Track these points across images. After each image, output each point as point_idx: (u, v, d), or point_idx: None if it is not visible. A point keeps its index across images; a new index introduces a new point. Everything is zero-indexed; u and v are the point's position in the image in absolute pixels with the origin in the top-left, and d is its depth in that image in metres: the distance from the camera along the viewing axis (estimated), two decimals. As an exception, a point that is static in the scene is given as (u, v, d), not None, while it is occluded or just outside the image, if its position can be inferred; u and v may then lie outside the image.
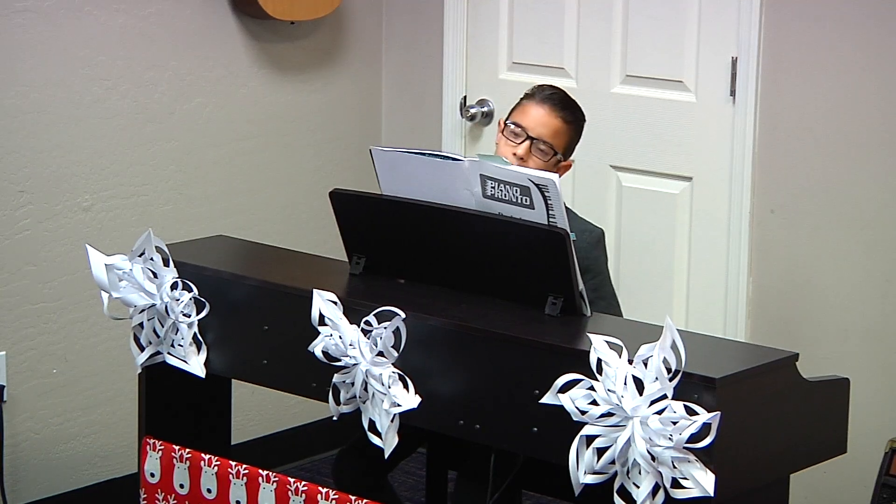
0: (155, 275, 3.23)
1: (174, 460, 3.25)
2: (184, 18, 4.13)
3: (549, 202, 2.92)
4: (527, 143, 3.31)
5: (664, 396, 2.60)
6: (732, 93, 3.93)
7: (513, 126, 3.34)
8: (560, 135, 3.33)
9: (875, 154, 3.75)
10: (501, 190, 2.98)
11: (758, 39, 3.86)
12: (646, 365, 2.62)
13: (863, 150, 3.76)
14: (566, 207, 3.08)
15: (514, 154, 3.31)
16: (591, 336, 2.67)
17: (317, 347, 2.97)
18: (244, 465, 3.15)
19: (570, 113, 3.35)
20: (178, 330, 3.22)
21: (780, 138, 3.89)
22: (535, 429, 2.78)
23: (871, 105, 3.74)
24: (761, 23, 3.86)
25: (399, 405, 2.88)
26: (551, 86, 3.41)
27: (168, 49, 4.10)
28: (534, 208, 2.94)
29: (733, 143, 3.94)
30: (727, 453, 2.60)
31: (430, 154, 3.09)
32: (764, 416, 2.71)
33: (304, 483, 3.06)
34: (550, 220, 2.93)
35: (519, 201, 2.96)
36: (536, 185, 2.92)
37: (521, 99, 3.38)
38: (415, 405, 2.88)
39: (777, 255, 3.91)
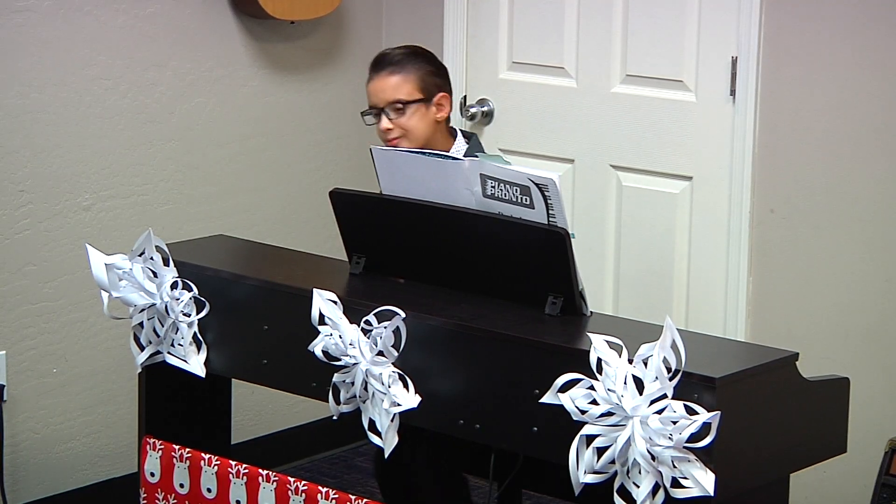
0: (155, 274, 3.23)
1: (174, 460, 3.25)
2: (184, 18, 4.13)
3: (549, 202, 2.92)
4: (382, 116, 3.35)
5: (664, 396, 2.60)
6: (732, 92, 3.93)
7: (367, 115, 3.37)
8: (401, 86, 3.35)
9: (875, 153, 3.75)
10: (501, 189, 2.98)
11: (758, 39, 3.86)
12: (646, 364, 2.62)
13: (862, 150, 3.76)
14: (464, 132, 3.28)
15: (384, 131, 3.34)
16: (591, 336, 2.68)
17: (317, 347, 2.97)
18: (244, 465, 3.15)
19: (392, 65, 3.36)
20: (178, 329, 3.22)
21: (779, 138, 3.89)
22: (535, 428, 2.78)
23: (871, 105, 3.74)
24: (761, 22, 3.86)
25: (399, 405, 2.88)
26: (377, 55, 3.42)
27: (168, 49, 4.10)
28: (534, 208, 2.94)
29: (733, 143, 3.94)
30: (727, 453, 2.60)
31: (430, 153, 3.09)
32: (764, 415, 2.71)
33: (304, 483, 3.06)
34: (550, 219, 2.93)
35: (519, 201, 2.96)
36: (536, 185, 2.92)
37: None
38: (415, 405, 2.88)
39: (777, 255, 3.91)
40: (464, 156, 3.29)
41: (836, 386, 2.89)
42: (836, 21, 3.76)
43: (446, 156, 3.08)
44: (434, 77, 3.40)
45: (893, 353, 3.77)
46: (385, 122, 3.36)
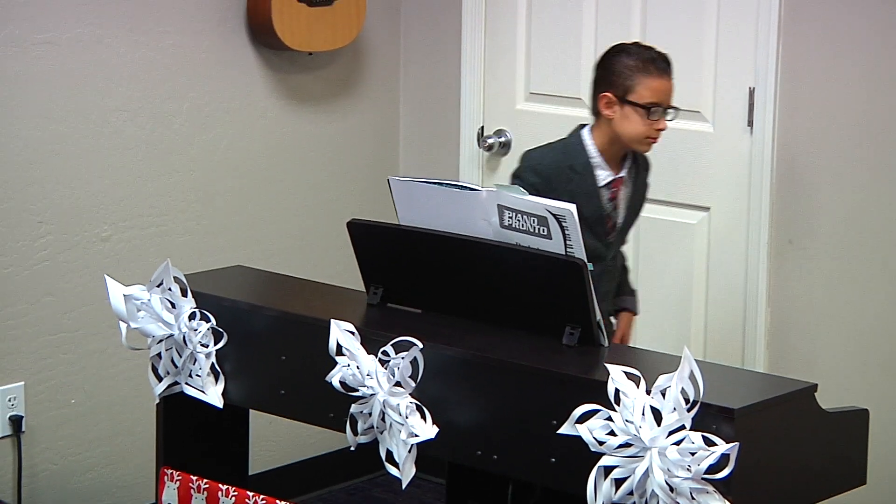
0: (173, 305, 3.23)
1: (192, 490, 3.25)
2: (202, 50, 4.15)
3: (566, 232, 2.92)
4: (665, 116, 3.38)
5: (682, 427, 2.59)
6: (750, 123, 3.93)
7: (651, 107, 3.35)
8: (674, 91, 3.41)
9: (894, 183, 3.74)
10: (518, 220, 2.98)
11: (775, 69, 3.86)
12: (664, 395, 2.61)
13: (881, 180, 3.75)
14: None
15: (659, 131, 3.37)
16: (609, 366, 2.67)
17: (334, 377, 2.97)
18: (262, 496, 3.15)
19: (671, 66, 3.40)
20: (195, 360, 3.22)
21: (797, 168, 3.88)
22: (553, 459, 2.77)
23: (890, 134, 3.73)
24: (778, 53, 3.86)
25: (417, 435, 2.88)
26: (650, 50, 3.41)
27: (186, 80, 4.12)
28: (551, 238, 2.94)
29: (751, 173, 3.93)
30: (746, 484, 2.59)
31: (447, 184, 3.10)
32: (782, 446, 2.70)
33: (321, 514, 3.05)
34: (568, 249, 2.93)
35: (536, 231, 2.96)
36: (553, 215, 2.92)
37: (632, 73, 3.37)
38: (432, 435, 2.87)
39: (795, 286, 3.90)
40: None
41: (856, 417, 2.87)
42: (853, 51, 3.76)
43: (463, 186, 3.09)
44: None
45: (913, 384, 3.75)
46: (666, 123, 3.39)
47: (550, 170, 3.39)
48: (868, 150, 3.77)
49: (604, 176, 3.43)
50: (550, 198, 3.30)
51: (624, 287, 3.64)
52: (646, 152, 3.45)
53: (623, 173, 3.47)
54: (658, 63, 3.39)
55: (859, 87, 3.76)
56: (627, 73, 3.37)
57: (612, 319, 3.60)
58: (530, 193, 3.29)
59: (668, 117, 3.38)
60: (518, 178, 3.41)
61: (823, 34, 3.80)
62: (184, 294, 3.23)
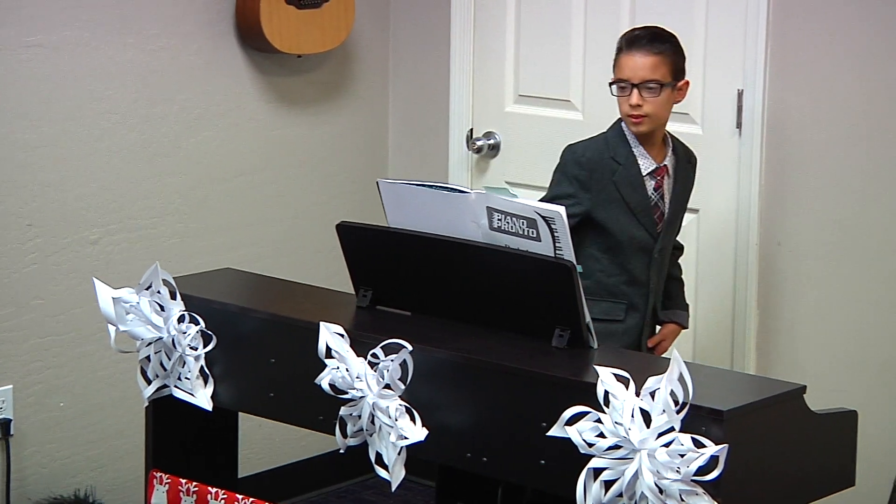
0: (162, 308, 3.23)
1: (181, 493, 3.24)
2: (191, 53, 4.14)
3: (555, 234, 2.92)
4: (635, 91, 3.38)
5: (672, 429, 2.59)
6: (739, 125, 3.94)
7: (618, 84, 3.41)
8: (659, 66, 3.39)
9: (883, 185, 3.75)
10: (508, 222, 2.98)
11: (763, 72, 3.87)
12: (653, 397, 2.61)
13: (870, 182, 3.76)
14: (670, 134, 3.43)
15: (632, 106, 3.38)
16: (598, 368, 2.67)
17: (324, 380, 2.96)
18: (251, 499, 3.15)
19: (658, 43, 3.41)
20: (185, 363, 3.22)
21: (786, 170, 3.89)
22: (543, 461, 2.77)
23: (879, 136, 3.74)
24: (767, 55, 3.87)
25: (406, 438, 2.88)
26: (633, 30, 3.49)
27: (176, 83, 4.12)
28: (540, 240, 2.94)
29: (740, 176, 3.94)
30: (735, 486, 2.59)
31: (436, 186, 3.10)
32: (771, 448, 2.70)
33: (311, 516, 3.05)
34: (557, 251, 2.93)
35: (525, 233, 2.96)
36: (543, 218, 2.92)
37: (616, 55, 3.45)
38: (422, 438, 2.87)
39: (784, 288, 3.91)
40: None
41: (844, 419, 2.88)
42: (842, 53, 3.77)
43: (452, 188, 3.09)
44: (681, 62, 3.47)
45: (902, 386, 3.76)
46: (636, 98, 3.39)
47: (594, 162, 3.43)
48: (857, 153, 3.78)
49: (647, 165, 3.46)
50: (596, 190, 3.39)
51: (678, 300, 3.64)
52: (637, 132, 3.43)
53: (666, 162, 3.49)
54: (631, 40, 3.43)
55: (848, 89, 3.77)
56: (615, 55, 3.45)
57: (657, 327, 3.59)
58: (574, 186, 3.41)
59: (649, 94, 3.38)
60: (562, 172, 3.44)
61: (812, 37, 3.81)
62: (173, 297, 3.23)
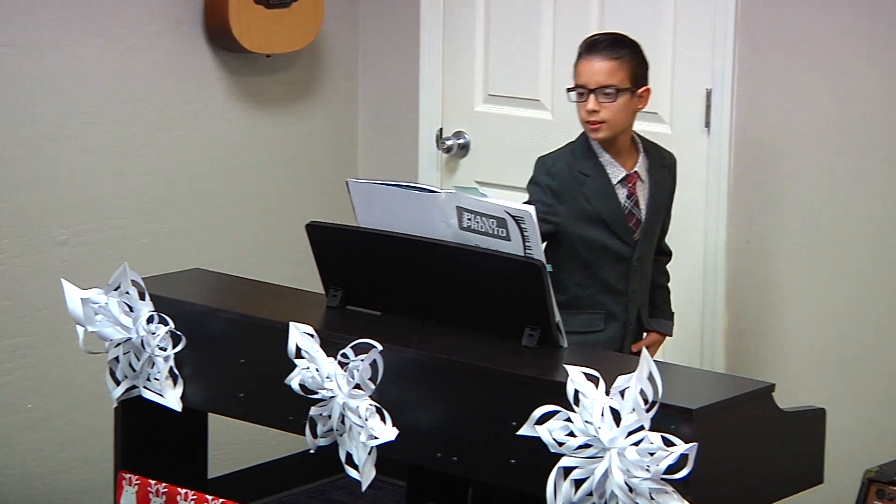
0: (131, 308, 3.22)
1: (150, 495, 3.23)
2: (160, 52, 4.13)
3: (525, 233, 2.93)
4: (591, 96, 3.35)
5: (641, 427, 2.60)
6: (707, 124, 3.95)
7: (575, 91, 3.39)
8: (616, 71, 3.35)
9: (851, 184, 3.76)
10: (478, 222, 2.99)
11: (732, 71, 3.88)
12: (623, 396, 2.62)
13: (838, 181, 3.78)
14: (642, 136, 3.40)
15: (589, 112, 3.35)
16: (568, 367, 2.67)
17: (293, 380, 2.96)
18: (221, 499, 3.14)
19: (615, 48, 3.37)
20: (154, 364, 3.21)
21: (755, 169, 3.90)
22: (513, 460, 2.77)
23: (847, 136, 3.76)
24: (735, 55, 3.88)
25: (376, 438, 2.87)
26: (593, 35, 3.45)
27: (145, 83, 4.10)
28: (510, 240, 2.95)
29: (708, 175, 3.95)
30: (704, 484, 2.60)
31: (406, 186, 3.10)
32: (741, 446, 2.71)
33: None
34: (527, 251, 2.94)
35: (495, 233, 2.96)
36: (513, 217, 2.92)
37: (575, 61, 3.42)
38: (392, 438, 2.87)
39: (753, 286, 3.92)
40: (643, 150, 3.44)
41: (813, 417, 2.89)
42: (809, 52, 3.78)
43: (422, 188, 3.09)
44: (642, 68, 3.42)
45: (869, 383, 3.78)
46: (593, 104, 3.35)
47: (564, 173, 3.40)
48: (825, 152, 3.79)
49: (616, 173, 3.42)
50: (567, 202, 3.35)
51: (662, 309, 3.60)
52: (596, 139, 3.39)
53: (637, 168, 3.45)
54: (589, 45, 3.40)
55: (816, 88, 3.79)
56: (575, 61, 3.43)
57: (644, 334, 3.57)
58: (548, 195, 3.37)
59: (606, 99, 3.34)
60: (535, 183, 3.40)
61: (780, 36, 3.82)
62: (141, 297, 3.22)
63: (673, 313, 3.64)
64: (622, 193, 3.42)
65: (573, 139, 3.47)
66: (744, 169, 3.91)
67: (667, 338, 3.63)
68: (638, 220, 3.44)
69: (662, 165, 3.51)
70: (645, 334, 3.58)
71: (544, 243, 3.16)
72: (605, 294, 3.43)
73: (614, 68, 3.35)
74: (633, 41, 3.42)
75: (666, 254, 3.63)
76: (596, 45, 3.38)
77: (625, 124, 3.39)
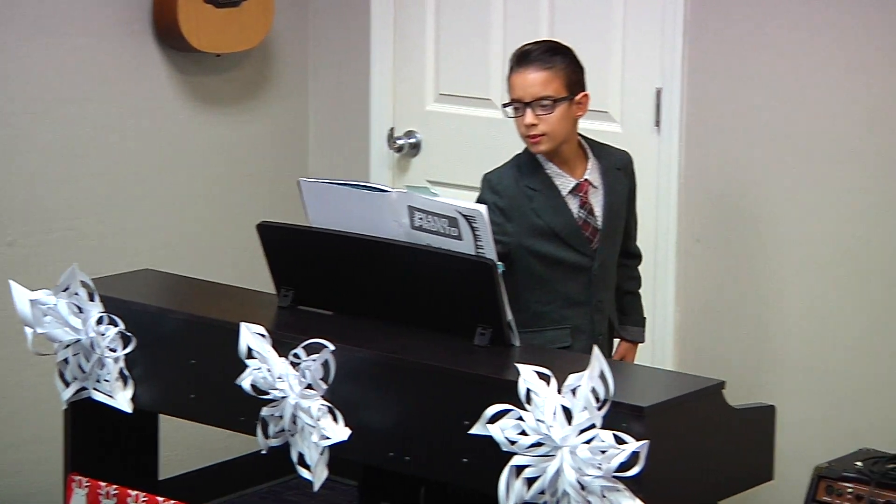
0: (80, 310, 3.20)
1: (101, 497, 3.21)
2: (108, 52, 4.10)
3: (476, 233, 2.93)
4: (528, 110, 3.25)
5: (593, 426, 2.60)
6: (657, 123, 3.97)
7: (510, 106, 3.29)
8: (551, 81, 3.24)
9: (798, 181, 3.79)
10: (429, 221, 2.98)
11: (681, 70, 3.90)
12: (574, 394, 2.62)
13: (786, 179, 3.81)
14: (590, 140, 3.32)
15: (527, 126, 3.25)
16: (520, 366, 2.68)
17: (245, 381, 2.95)
18: (172, 501, 3.12)
19: (547, 57, 3.26)
20: (104, 365, 3.19)
21: (705, 168, 3.92)
22: (465, 459, 2.78)
23: (795, 134, 3.79)
24: (684, 54, 3.90)
25: (328, 438, 2.87)
26: (523, 46, 3.33)
27: (92, 82, 4.08)
28: (462, 239, 2.95)
29: (658, 173, 3.97)
30: (656, 482, 2.61)
31: (357, 185, 3.09)
32: (692, 444, 2.73)
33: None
34: (478, 250, 2.94)
35: (447, 232, 2.97)
36: (464, 216, 2.93)
37: (508, 75, 3.31)
38: (345, 437, 2.87)
39: (703, 284, 3.94)
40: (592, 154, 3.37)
41: (762, 413, 2.91)
42: (758, 51, 3.81)
43: (373, 187, 3.08)
44: (578, 75, 3.31)
45: (817, 380, 3.81)
46: (530, 118, 3.25)
47: (510, 190, 3.30)
48: (773, 150, 3.82)
49: (565, 184, 3.32)
50: (517, 220, 3.26)
51: (632, 315, 3.52)
52: (538, 152, 3.29)
53: (588, 175, 3.35)
54: (520, 57, 3.29)
55: (765, 87, 3.81)
56: (507, 75, 3.33)
57: (615, 341, 3.50)
58: (496, 215, 3.23)
59: (543, 111, 3.25)
60: (482, 201, 3.23)
61: (729, 34, 3.85)
62: (91, 298, 3.20)
63: (644, 318, 3.55)
64: (574, 204, 3.32)
65: (520, 151, 3.37)
66: (694, 167, 3.93)
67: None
68: (595, 229, 3.34)
69: (616, 168, 3.41)
70: (617, 342, 3.51)
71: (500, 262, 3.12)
72: (568, 307, 3.33)
73: (548, 78, 3.24)
74: (565, 47, 3.32)
75: (634, 256, 3.53)
76: (527, 57, 3.28)
77: (566, 134, 3.29)
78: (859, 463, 3.41)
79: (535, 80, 3.25)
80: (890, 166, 3.66)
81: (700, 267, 3.94)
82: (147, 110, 4.20)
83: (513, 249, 3.28)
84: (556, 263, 3.31)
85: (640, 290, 3.56)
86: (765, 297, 3.86)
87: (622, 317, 3.50)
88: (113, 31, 4.10)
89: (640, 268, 3.60)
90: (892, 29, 3.62)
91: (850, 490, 3.36)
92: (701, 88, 3.89)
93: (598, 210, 3.35)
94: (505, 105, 3.31)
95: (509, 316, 2.93)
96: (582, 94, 3.31)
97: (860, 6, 3.65)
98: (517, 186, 3.31)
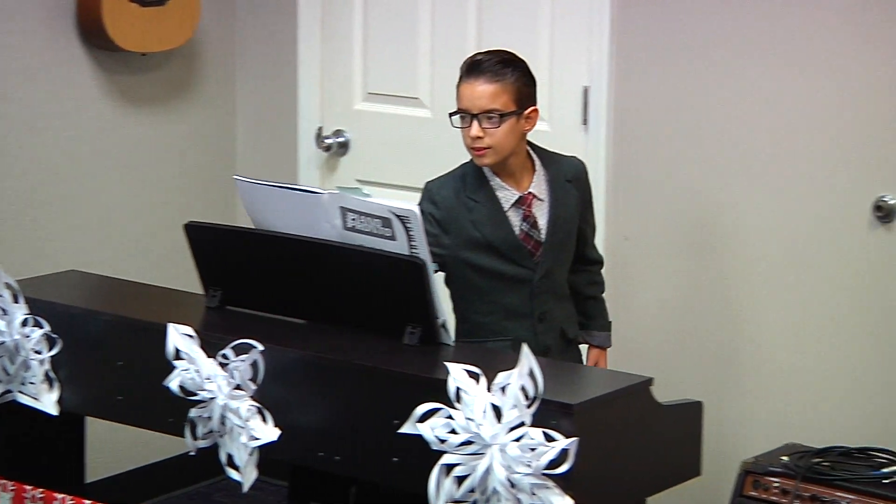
0: (4, 311, 3.16)
1: (26, 500, 3.18)
2: (31, 50, 4.06)
3: (410, 233, 2.93)
4: (475, 122, 3.18)
5: (522, 423, 2.61)
6: (585, 121, 3.99)
7: (457, 115, 3.22)
8: (500, 95, 3.17)
9: (723, 180, 3.82)
10: (362, 222, 2.98)
11: (608, 69, 3.92)
12: (504, 392, 2.63)
13: (713, 179, 3.84)
14: (541, 150, 3.28)
15: (473, 138, 3.19)
16: (449, 365, 2.68)
17: (173, 382, 2.93)
18: (99, 504, 3.10)
19: (498, 69, 3.19)
20: (29, 367, 3.16)
21: (632, 166, 3.95)
22: (396, 459, 2.77)
23: (721, 132, 3.82)
24: (611, 53, 3.92)
25: (258, 438, 2.86)
26: (474, 55, 3.27)
27: (15, 81, 4.03)
28: (395, 239, 2.94)
29: (586, 172, 3.99)
30: (585, 478, 2.62)
31: (289, 187, 3.08)
32: (620, 440, 2.74)
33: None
34: (413, 250, 2.94)
35: (380, 233, 2.96)
36: (398, 216, 2.92)
37: (457, 83, 3.24)
38: (274, 438, 2.86)
39: (631, 282, 3.97)
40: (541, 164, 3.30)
41: (690, 410, 2.93)
42: (685, 49, 3.84)
43: (305, 189, 3.07)
44: (528, 88, 3.24)
45: (745, 376, 3.84)
46: (476, 130, 3.18)
47: (450, 200, 3.25)
48: (700, 148, 3.85)
49: (508, 197, 3.27)
50: (454, 231, 3.22)
51: (596, 321, 3.46)
52: (482, 164, 3.24)
53: (532, 188, 3.29)
54: (470, 67, 3.22)
55: (691, 85, 3.84)
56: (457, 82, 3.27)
57: (583, 349, 3.47)
58: (432, 226, 3.19)
59: (490, 125, 3.18)
60: (420, 210, 3.09)
61: (655, 33, 3.87)
62: (15, 300, 3.17)
63: (609, 323, 3.50)
64: (516, 217, 3.26)
65: (466, 161, 3.30)
66: (621, 165, 3.95)
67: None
68: (537, 242, 3.28)
69: (566, 180, 3.35)
70: (587, 348, 3.47)
71: (438, 272, 3.08)
72: (509, 319, 3.28)
73: (497, 91, 3.17)
74: (518, 59, 3.26)
75: (594, 262, 3.46)
76: (477, 67, 3.20)
77: (512, 148, 3.22)
78: (785, 458, 3.45)
79: (484, 93, 3.18)
80: (818, 160, 3.70)
81: (628, 264, 3.96)
82: (72, 110, 4.16)
83: (449, 261, 3.25)
84: (496, 276, 3.27)
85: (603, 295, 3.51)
86: (690, 293, 3.89)
87: (587, 322, 3.46)
88: (36, 29, 4.06)
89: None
90: (819, 23, 3.66)
91: (776, 484, 3.39)
92: (628, 86, 3.92)
93: (542, 222, 3.29)
94: (452, 114, 3.24)
95: (444, 316, 2.93)
96: (532, 108, 3.24)
97: (787, 2, 3.69)
98: (457, 198, 3.26)
